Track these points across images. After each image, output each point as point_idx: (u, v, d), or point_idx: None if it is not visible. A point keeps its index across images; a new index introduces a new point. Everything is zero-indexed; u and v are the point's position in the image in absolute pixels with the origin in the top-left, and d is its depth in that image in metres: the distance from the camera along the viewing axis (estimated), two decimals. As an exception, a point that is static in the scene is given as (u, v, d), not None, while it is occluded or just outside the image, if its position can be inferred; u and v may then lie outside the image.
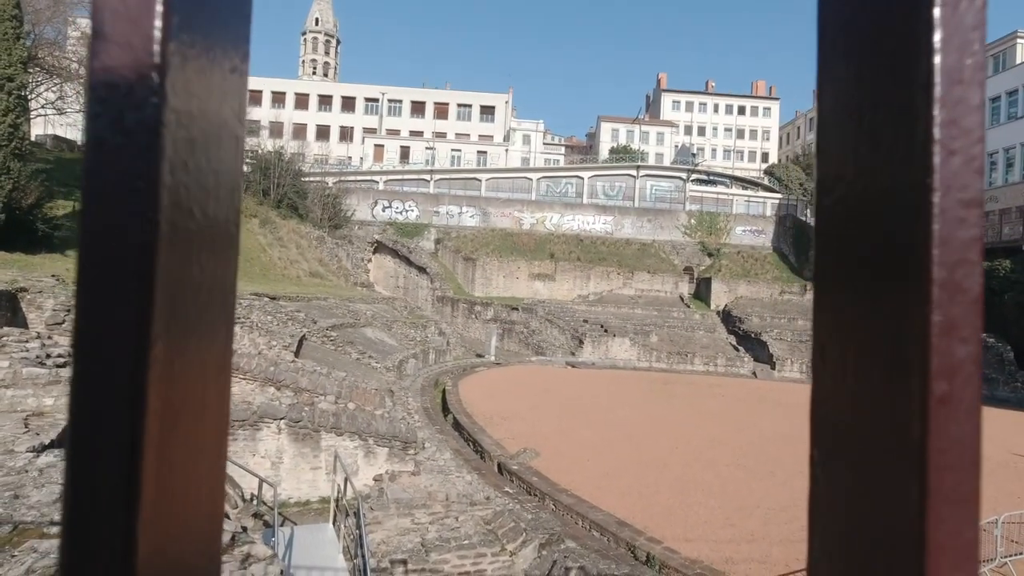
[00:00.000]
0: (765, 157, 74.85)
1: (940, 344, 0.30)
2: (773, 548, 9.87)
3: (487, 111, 65.47)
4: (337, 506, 9.12)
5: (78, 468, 0.30)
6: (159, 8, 0.32)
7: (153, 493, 0.31)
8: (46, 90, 27.62)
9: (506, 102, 65.82)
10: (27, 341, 8.62)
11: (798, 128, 75.48)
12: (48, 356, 8.28)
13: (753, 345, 36.97)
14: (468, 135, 63.80)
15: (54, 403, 7.46)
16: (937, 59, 0.31)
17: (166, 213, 0.32)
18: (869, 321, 0.33)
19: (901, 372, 0.31)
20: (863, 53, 0.34)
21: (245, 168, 39.46)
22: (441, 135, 62.55)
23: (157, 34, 0.32)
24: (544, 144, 66.03)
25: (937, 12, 0.31)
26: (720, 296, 43.51)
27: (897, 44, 0.32)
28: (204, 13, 0.35)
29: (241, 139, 0.40)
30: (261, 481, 9.89)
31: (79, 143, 39.71)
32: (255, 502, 9.82)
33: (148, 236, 0.31)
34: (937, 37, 0.31)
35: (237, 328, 16.13)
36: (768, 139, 76.61)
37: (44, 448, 6.26)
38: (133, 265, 0.31)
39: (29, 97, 21.93)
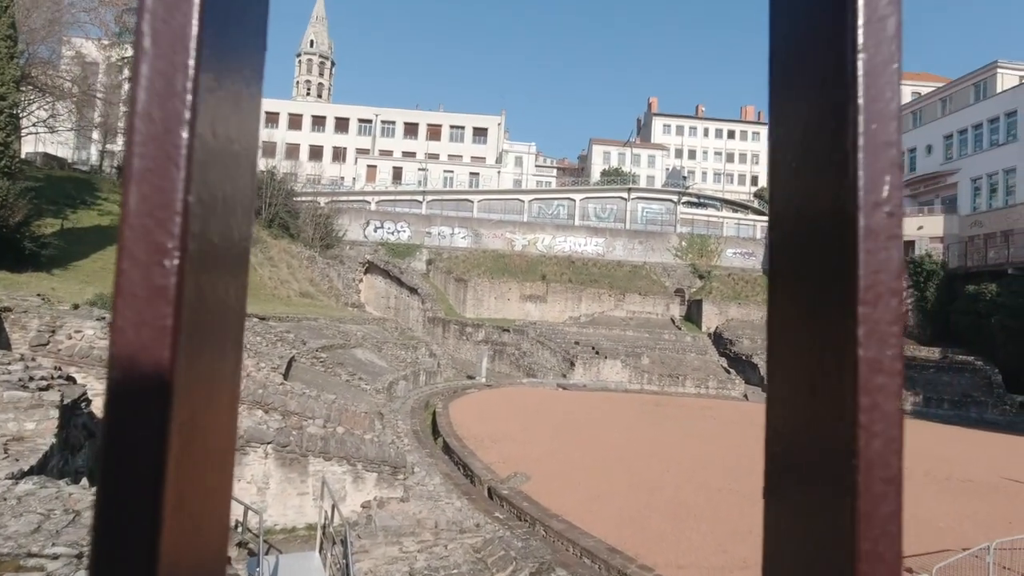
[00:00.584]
0: (755, 180, 75.89)
1: None
2: None
3: (480, 133, 66.05)
4: (324, 533, 8.94)
5: (108, 484, 0.31)
6: (183, 158, 0.34)
7: (173, 505, 0.32)
8: (38, 108, 27.59)
9: (499, 124, 66.46)
10: (9, 363, 8.46)
11: (786, 152, 76.56)
12: (31, 379, 8.13)
13: (744, 367, 37.01)
14: (461, 156, 64.25)
15: (35, 427, 7.31)
16: (860, 352, 0.33)
17: (192, 235, 0.34)
18: (809, 426, 0.35)
19: (837, 395, 0.32)
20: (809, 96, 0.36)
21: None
22: (434, 156, 62.95)
23: (182, 182, 0.34)
24: (536, 166, 66.62)
25: (861, 310, 0.33)
26: (711, 318, 43.65)
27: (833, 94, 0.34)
28: (228, 44, 0.37)
29: (255, 164, 0.42)
30: (246, 508, 9.69)
31: (70, 161, 39.59)
32: (240, 529, 9.61)
33: (168, 370, 0.33)
34: (860, 332, 0.32)
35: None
36: (757, 163, 77.72)
37: (23, 475, 6.11)
38: (155, 397, 0.33)
39: (21, 115, 21.90)
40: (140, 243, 0.33)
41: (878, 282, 0.33)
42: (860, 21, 0.34)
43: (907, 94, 52.40)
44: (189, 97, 0.34)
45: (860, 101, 0.34)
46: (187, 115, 0.34)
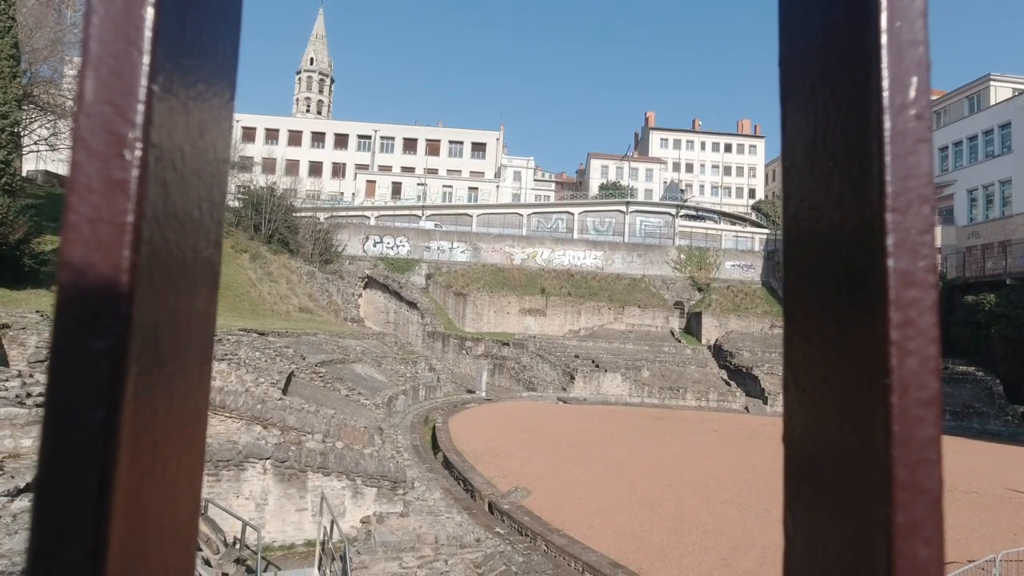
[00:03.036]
0: (752, 193, 76.24)
1: (904, 547, 0.29)
2: (770, 590, 9.64)
3: (478, 148, 66.46)
4: (323, 550, 8.86)
5: (44, 512, 0.29)
6: (146, 40, 0.31)
7: (122, 536, 0.29)
8: (40, 127, 27.76)
9: (497, 139, 66.90)
10: (7, 380, 8.44)
11: (783, 165, 77.11)
12: (28, 395, 8.10)
13: (744, 380, 36.89)
14: (459, 171, 64.58)
15: (32, 444, 7.26)
16: (890, 262, 0.31)
17: (146, 248, 0.32)
18: (834, 353, 0.33)
19: (867, 407, 0.31)
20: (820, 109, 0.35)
21: (237, 203, 39.58)
22: (433, 171, 63.29)
23: (144, 68, 0.31)
24: (535, 180, 66.92)
25: (889, 217, 0.31)
26: (711, 330, 43.59)
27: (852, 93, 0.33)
28: (191, 48, 0.35)
29: (225, 174, 0.40)
30: (244, 524, 9.60)
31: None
32: (238, 546, 9.51)
33: (127, 270, 0.31)
34: (889, 241, 0.31)
35: (224, 365, 15.91)
36: (755, 176, 78.13)
37: (19, 492, 6.06)
38: (111, 299, 0.30)
39: (22, 133, 22.04)
40: (97, 133, 0.31)
41: (907, 188, 0.32)
42: None
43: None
44: None
45: None
46: None
